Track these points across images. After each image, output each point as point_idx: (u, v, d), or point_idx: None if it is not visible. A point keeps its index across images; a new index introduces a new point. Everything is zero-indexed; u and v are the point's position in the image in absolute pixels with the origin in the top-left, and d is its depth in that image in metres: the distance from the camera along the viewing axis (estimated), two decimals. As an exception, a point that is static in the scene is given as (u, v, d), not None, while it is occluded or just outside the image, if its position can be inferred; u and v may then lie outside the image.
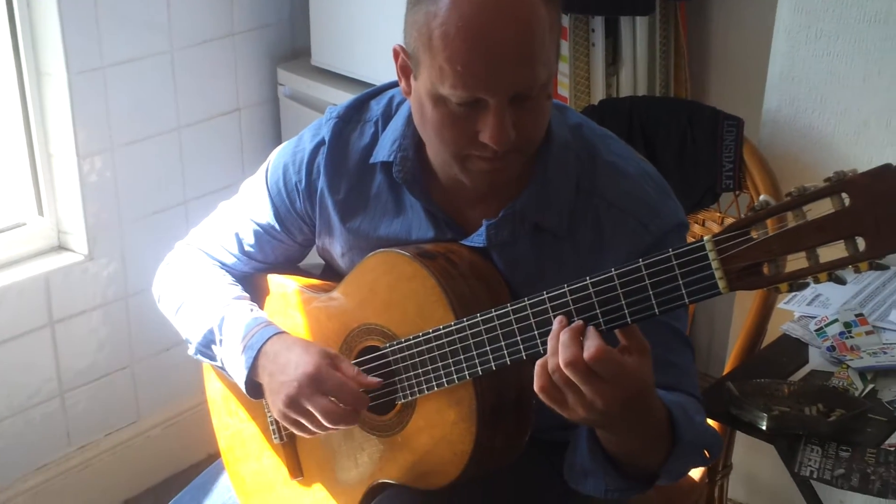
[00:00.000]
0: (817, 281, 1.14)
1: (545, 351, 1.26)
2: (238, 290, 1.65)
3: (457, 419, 1.42)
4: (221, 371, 1.64)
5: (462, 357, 1.38)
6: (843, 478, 1.53)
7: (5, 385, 2.45)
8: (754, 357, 1.90)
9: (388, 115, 1.56)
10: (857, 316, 1.85)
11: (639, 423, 1.29)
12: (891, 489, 1.50)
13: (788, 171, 2.12)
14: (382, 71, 2.24)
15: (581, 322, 1.25)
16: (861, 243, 1.11)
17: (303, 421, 1.49)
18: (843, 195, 1.11)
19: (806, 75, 2.13)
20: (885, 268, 1.14)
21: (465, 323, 1.37)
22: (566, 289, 1.28)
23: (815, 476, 1.54)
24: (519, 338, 1.33)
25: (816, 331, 1.85)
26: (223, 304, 1.61)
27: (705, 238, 1.19)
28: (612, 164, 1.48)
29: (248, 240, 1.66)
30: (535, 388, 1.26)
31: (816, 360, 1.81)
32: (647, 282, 1.22)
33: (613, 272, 1.24)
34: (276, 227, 1.64)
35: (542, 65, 1.32)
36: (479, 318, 1.36)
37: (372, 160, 1.54)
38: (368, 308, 1.51)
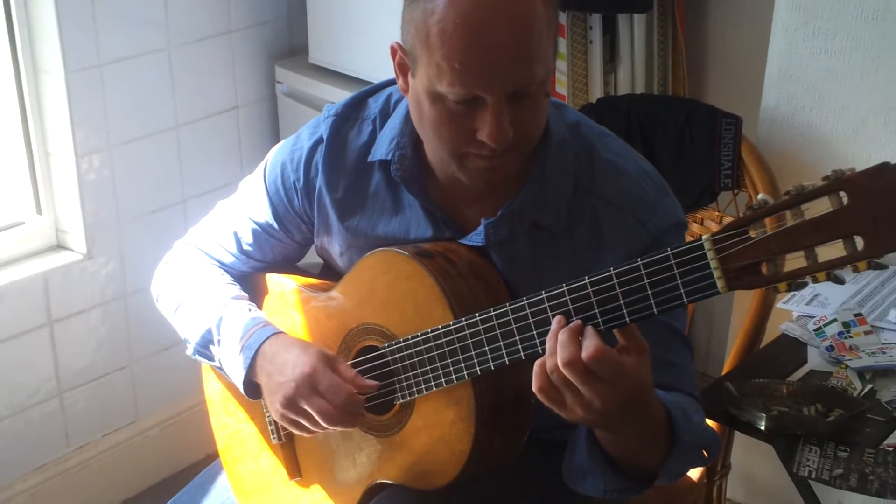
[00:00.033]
0: (816, 280, 1.14)
1: (544, 351, 1.26)
2: (236, 289, 1.65)
3: (455, 419, 1.41)
4: (220, 371, 1.64)
5: (461, 357, 1.38)
6: (841, 478, 1.52)
7: (4, 385, 2.45)
8: (753, 357, 1.90)
9: (385, 113, 1.55)
10: (855, 316, 1.85)
11: (637, 423, 1.29)
12: (889, 489, 1.50)
13: (787, 169, 2.12)
14: (380, 68, 2.24)
15: (579, 322, 1.25)
16: (859, 242, 1.10)
17: (301, 421, 1.48)
18: (842, 194, 1.11)
19: (804, 73, 2.13)
20: (883, 267, 1.14)
21: (464, 323, 1.37)
22: (565, 288, 1.27)
23: (813, 476, 1.54)
24: (517, 337, 1.32)
25: (815, 330, 1.84)
26: (221, 304, 1.61)
27: (704, 237, 1.18)
28: (610, 163, 1.48)
29: (247, 239, 1.66)
30: (534, 388, 1.25)
31: (815, 359, 1.80)
32: (646, 281, 1.22)
33: (612, 271, 1.24)
34: (275, 225, 1.63)
35: (539, 62, 1.32)
36: (478, 318, 1.35)
37: (370, 158, 1.54)
38: (367, 307, 1.51)
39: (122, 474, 2.71)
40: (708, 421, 1.52)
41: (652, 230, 1.44)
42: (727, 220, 1.91)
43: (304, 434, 1.52)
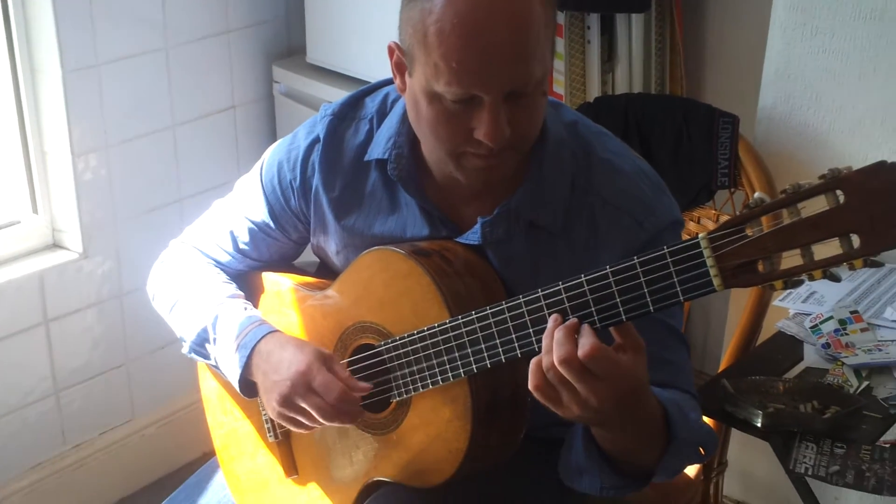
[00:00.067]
0: (812, 278, 1.14)
1: (540, 349, 1.26)
2: (232, 288, 1.65)
3: (452, 417, 1.42)
4: (216, 370, 1.64)
5: (457, 355, 1.38)
6: (837, 474, 1.53)
7: (0, 384, 2.44)
8: (749, 354, 1.90)
9: (382, 113, 1.55)
10: (851, 313, 1.85)
11: (633, 420, 1.29)
12: (885, 486, 1.50)
13: (783, 168, 2.12)
14: (377, 68, 2.24)
15: (575, 320, 1.25)
16: (856, 240, 1.11)
17: (298, 418, 1.48)
18: (838, 192, 1.11)
19: (801, 72, 2.13)
20: (879, 265, 1.14)
21: (460, 320, 1.37)
22: (561, 286, 1.27)
23: (810, 473, 1.54)
24: (514, 335, 1.32)
25: (811, 328, 1.85)
26: (217, 303, 1.61)
27: (700, 235, 1.18)
28: (607, 162, 1.48)
29: (243, 238, 1.66)
30: (530, 386, 1.25)
31: (811, 357, 1.81)
32: (642, 279, 1.22)
33: (608, 269, 1.24)
34: (271, 224, 1.63)
35: (536, 61, 1.32)
36: (474, 316, 1.35)
37: (367, 158, 1.54)
38: (363, 306, 1.51)
39: (118, 473, 2.70)
40: (704, 418, 1.53)
41: (649, 229, 1.44)
42: (724, 218, 1.91)
43: (302, 431, 1.52)
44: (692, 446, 1.41)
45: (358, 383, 1.46)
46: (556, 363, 1.22)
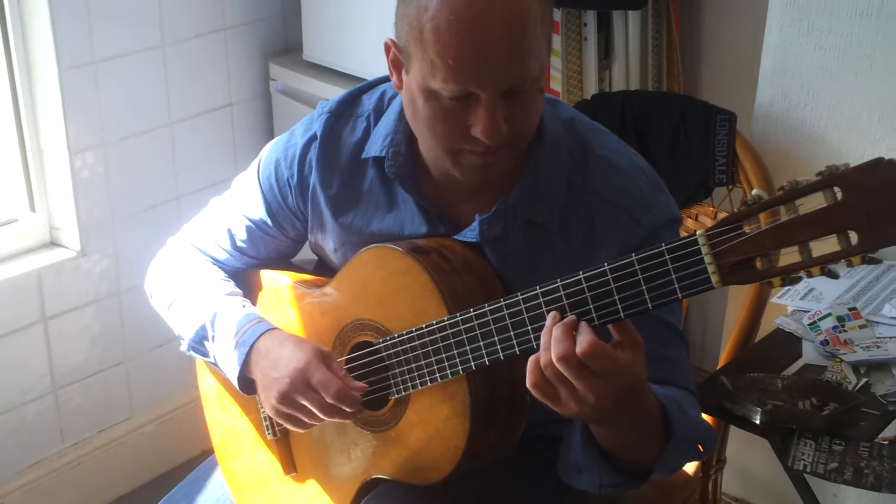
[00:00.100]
0: (810, 275, 1.14)
1: (538, 346, 1.26)
2: (230, 285, 1.65)
3: (450, 414, 1.42)
4: (214, 367, 1.64)
5: (455, 352, 1.38)
6: (836, 471, 1.53)
7: (-2, 382, 2.45)
8: (748, 351, 1.90)
9: (379, 110, 1.55)
10: (850, 310, 1.85)
11: (632, 417, 1.29)
12: (884, 483, 1.50)
13: (781, 165, 2.12)
14: (374, 66, 2.23)
15: (573, 317, 1.25)
16: (853, 237, 1.11)
17: (296, 415, 1.48)
18: (836, 189, 1.11)
19: (798, 70, 2.13)
20: (877, 262, 1.14)
21: (458, 318, 1.37)
22: (559, 284, 1.27)
23: (808, 470, 1.54)
24: (512, 332, 1.32)
25: (810, 325, 1.85)
26: (215, 300, 1.61)
27: (698, 232, 1.18)
28: (604, 159, 1.48)
29: (241, 235, 1.66)
30: (528, 384, 1.25)
31: (810, 354, 1.81)
32: (640, 276, 1.22)
33: (606, 267, 1.24)
34: (269, 222, 1.63)
35: (533, 58, 1.32)
36: (472, 314, 1.35)
37: (364, 155, 1.54)
38: (361, 303, 1.51)
39: (117, 471, 2.70)
40: (703, 415, 1.52)
41: (646, 226, 1.44)
42: (722, 215, 1.91)
43: (299, 429, 1.52)
44: (691, 443, 1.41)
45: (354, 382, 1.46)
46: (553, 360, 1.22)
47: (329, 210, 1.57)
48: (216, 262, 1.69)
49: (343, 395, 1.44)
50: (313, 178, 1.57)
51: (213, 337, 1.59)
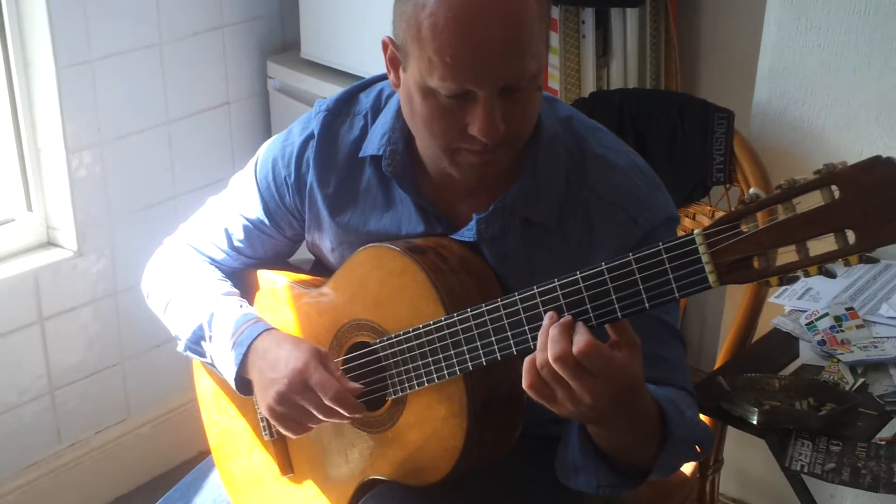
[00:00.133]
0: (807, 274, 1.13)
1: (535, 346, 1.26)
2: (227, 285, 1.65)
3: (447, 415, 1.41)
4: (211, 367, 1.64)
5: (452, 352, 1.38)
6: (833, 472, 1.52)
7: (-6, 382, 2.44)
8: (745, 351, 1.90)
9: (377, 109, 1.55)
10: (847, 310, 1.85)
11: (629, 418, 1.29)
12: (881, 483, 1.50)
13: (778, 163, 2.12)
14: (372, 63, 2.23)
15: (570, 317, 1.25)
16: (851, 236, 1.10)
17: (293, 416, 1.48)
18: (833, 188, 1.11)
19: (796, 68, 2.13)
20: (875, 261, 1.14)
21: (456, 318, 1.37)
22: (556, 283, 1.27)
23: (805, 470, 1.54)
24: (509, 332, 1.32)
25: (807, 325, 1.84)
26: (212, 300, 1.60)
27: (695, 231, 1.18)
28: (602, 157, 1.48)
29: (238, 235, 1.65)
30: (524, 385, 1.25)
31: (807, 354, 1.80)
32: (638, 276, 1.22)
33: (603, 266, 1.24)
34: (266, 221, 1.63)
35: (531, 56, 1.32)
36: (470, 314, 1.35)
37: (361, 154, 1.53)
38: (358, 303, 1.50)
39: (114, 472, 2.70)
40: (700, 415, 1.52)
41: (644, 225, 1.44)
42: (719, 214, 1.91)
43: (291, 434, 1.51)
44: (688, 444, 1.41)
45: (349, 383, 1.46)
46: (550, 360, 1.21)
47: (326, 209, 1.56)
48: (213, 261, 1.69)
49: (341, 397, 1.43)
50: (310, 177, 1.56)
51: (210, 337, 1.59)
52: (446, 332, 1.38)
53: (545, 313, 1.27)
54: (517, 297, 1.31)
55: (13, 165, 2.47)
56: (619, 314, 1.24)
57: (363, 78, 1.63)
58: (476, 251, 1.48)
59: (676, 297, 1.21)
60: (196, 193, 2.67)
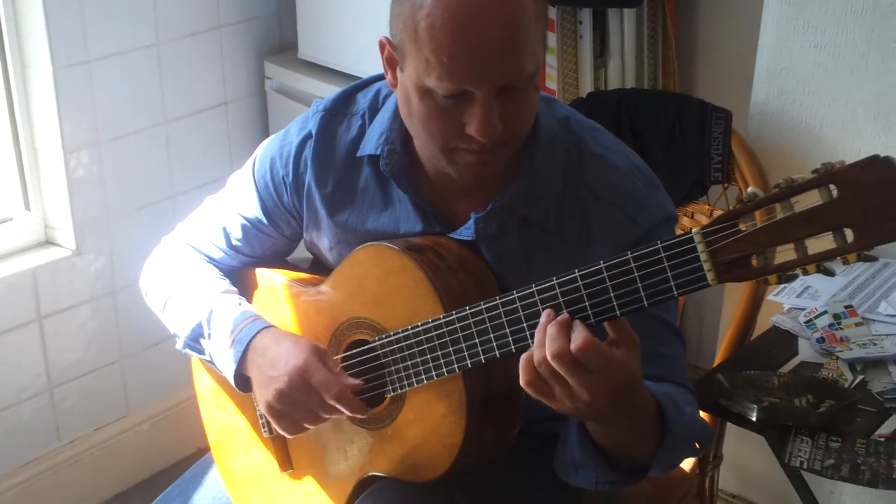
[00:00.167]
0: (806, 273, 1.14)
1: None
2: (226, 283, 1.65)
3: (446, 412, 1.41)
4: (210, 365, 1.64)
5: (451, 350, 1.38)
6: (833, 468, 1.53)
7: (-6, 381, 2.44)
8: (744, 349, 1.91)
9: (374, 108, 1.55)
10: (846, 307, 1.85)
11: (627, 415, 1.29)
12: (881, 479, 1.50)
13: (776, 163, 2.12)
14: (369, 63, 2.23)
15: (568, 315, 1.25)
16: (849, 235, 1.11)
17: (292, 414, 1.48)
18: (831, 187, 1.11)
19: (793, 67, 2.13)
20: (873, 259, 1.14)
21: (454, 316, 1.37)
22: (555, 282, 1.27)
23: (805, 467, 1.54)
24: (508, 330, 1.32)
25: (806, 322, 1.85)
26: (211, 298, 1.60)
27: (693, 230, 1.18)
28: (599, 157, 1.48)
29: (236, 234, 1.66)
30: (522, 382, 1.25)
31: (806, 351, 1.81)
32: (636, 274, 1.22)
33: (602, 265, 1.24)
34: (264, 220, 1.63)
35: (528, 56, 1.32)
36: (468, 311, 1.35)
37: (359, 153, 1.53)
38: (357, 302, 1.50)
39: (113, 469, 2.70)
40: (700, 412, 1.52)
41: (642, 225, 1.44)
42: (718, 213, 1.92)
43: (287, 433, 1.51)
44: (687, 440, 1.41)
45: (348, 379, 1.46)
46: (548, 357, 1.22)
47: (324, 208, 1.57)
48: (211, 260, 1.69)
49: (343, 395, 1.44)
50: (308, 177, 1.56)
51: (209, 335, 1.59)
52: (445, 330, 1.38)
53: (543, 311, 1.27)
54: (516, 296, 1.31)
55: (11, 165, 2.47)
56: (617, 312, 1.24)
57: (360, 78, 1.63)
58: (474, 250, 1.48)
59: (675, 296, 1.21)
60: (194, 193, 2.67)
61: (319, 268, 1.65)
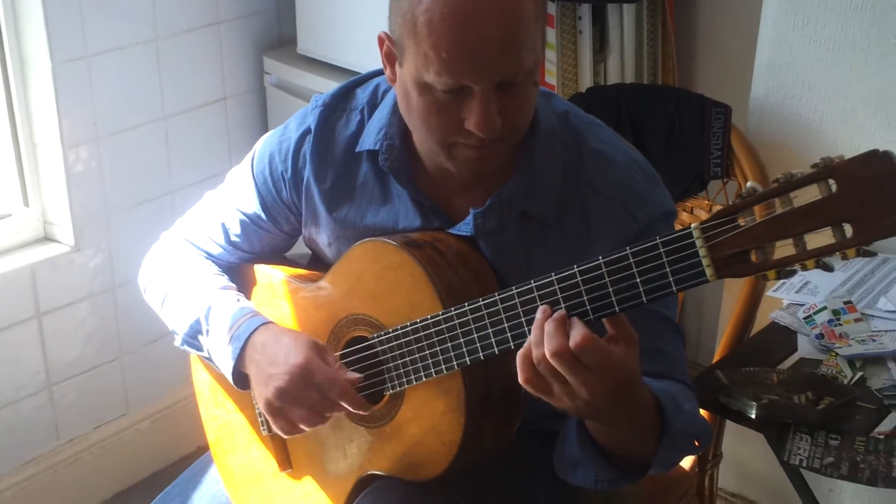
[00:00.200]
0: (805, 268, 1.13)
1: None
2: (224, 280, 1.64)
3: (445, 409, 1.41)
4: (208, 361, 1.63)
5: (450, 346, 1.37)
6: (832, 466, 1.52)
7: (-8, 378, 2.44)
8: (743, 345, 1.90)
9: (373, 103, 1.55)
10: (845, 303, 1.85)
11: (626, 413, 1.28)
12: (880, 477, 1.50)
13: (776, 157, 2.12)
14: (368, 59, 2.22)
15: (564, 311, 1.24)
16: (848, 230, 1.10)
17: (290, 411, 1.47)
18: (830, 181, 1.11)
19: (793, 62, 2.13)
20: (872, 254, 1.14)
21: (453, 312, 1.36)
22: (553, 277, 1.27)
23: (804, 464, 1.54)
24: (506, 325, 1.32)
25: (805, 318, 1.84)
26: (210, 294, 1.60)
27: (692, 225, 1.18)
28: (599, 152, 1.48)
29: (235, 229, 1.65)
30: (520, 380, 1.25)
31: (805, 348, 1.80)
32: (635, 269, 1.22)
33: (601, 260, 1.24)
34: (263, 216, 1.63)
35: (527, 51, 1.31)
36: (467, 308, 1.35)
37: (358, 149, 1.53)
38: (356, 298, 1.50)
39: (113, 467, 2.70)
40: (699, 409, 1.52)
41: (641, 220, 1.43)
42: (717, 208, 1.91)
43: (283, 433, 1.51)
44: (687, 438, 1.40)
45: (348, 374, 1.45)
46: (547, 355, 1.21)
47: (323, 204, 1.56)
48: (210, 256, 1.69)
49: (346, 392, 1.43)
50: (307, 172, 1.56)
51: (207, 331, 1.58)
52: (444, 326, 1.37)
53: (539, 307, 1.27)
54: (514, 292, 1.30)
55: (9, 161, 2.47)
56: (616, 308, 1.24)
57: (359, 73, 1.63)
58: (473, 245, 1.48)
59: (674, 291, 1.21)
60: (193, 188, 2.67)
61: (318, 264, 1.65)
